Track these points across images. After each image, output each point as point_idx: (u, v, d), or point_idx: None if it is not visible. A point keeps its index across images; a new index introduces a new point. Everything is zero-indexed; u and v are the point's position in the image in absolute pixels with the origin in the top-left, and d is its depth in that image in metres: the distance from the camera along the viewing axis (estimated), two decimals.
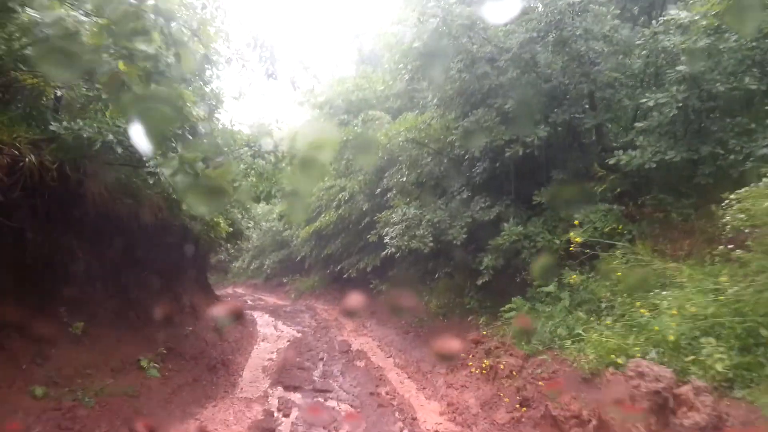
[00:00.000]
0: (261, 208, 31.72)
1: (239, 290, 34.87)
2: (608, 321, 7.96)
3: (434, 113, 11.77)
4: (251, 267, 35.04)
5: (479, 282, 10.56)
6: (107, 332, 7.52)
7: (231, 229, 13.81)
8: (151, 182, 6.58)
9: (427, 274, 17.05)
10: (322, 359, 11.92)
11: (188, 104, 8.13)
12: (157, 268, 10.44)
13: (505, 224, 10.27)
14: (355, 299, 19.76)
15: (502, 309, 9.84)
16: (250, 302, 26.29)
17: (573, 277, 9.25)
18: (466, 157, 11.58)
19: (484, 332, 10.45)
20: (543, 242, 10.12)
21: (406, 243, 10.97)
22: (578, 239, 9.37)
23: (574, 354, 7.51)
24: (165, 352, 8.49)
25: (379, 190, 15.20)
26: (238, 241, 18.44)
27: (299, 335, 15.70)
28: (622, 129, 11.31)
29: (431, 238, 10.93)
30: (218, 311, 14.85)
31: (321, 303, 22.37)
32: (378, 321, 16.39)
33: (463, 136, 10.74)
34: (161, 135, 7.03)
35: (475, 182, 11.55)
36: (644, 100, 8.72)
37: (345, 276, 19.13)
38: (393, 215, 11.75)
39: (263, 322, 18.18)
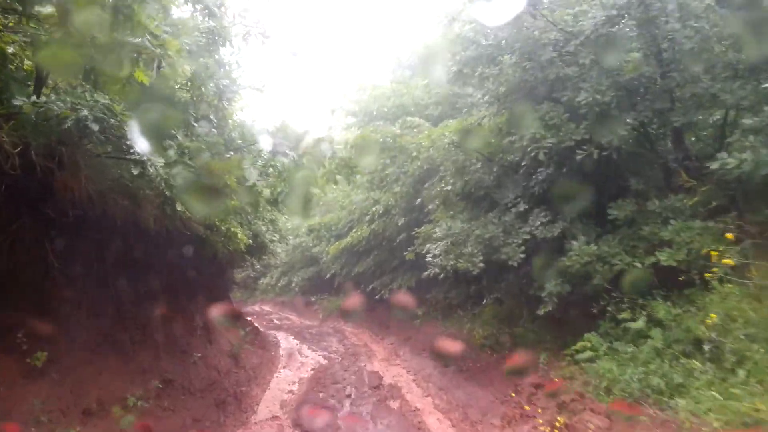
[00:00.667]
0: (290, 222, 30.64)
1: (266, 308, 33.69)
2: (721, 371, 6.09)
3: (485, 112, 10.13)
4: (279, 284, 33.78)
5: (540, 311, 8.74)
6: (87, 362, 6.10)
7: (251, 241, 12.41)
8: (135, 173, 5.15)
9: (469, 299, 15.26)
10: (349, 396, 10.24)
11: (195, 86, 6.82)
12: (163, 284, 9.06)
13: (574, 242, 8.48)
14: (387, 323, 18.02)
15: (572, 347, 8.01)
16: (276, 321, 24.94)
17: (663, 310, 7.40)
18: (522, 164, 9.86)
19: (547, 374, 8.61)
20: (621, 265, 8.27)
21: (451, 262, 9.26)
22: (669, 262, 7.56)
23: (684, 415, 5.63)
24: (161, 386, 7.01)
25: (418, 201, 13.56)
26: (263, 256, 17.05)
27: (325, 362, 14.09)
28: (711, 129, 9.46)
29: (481, 258, 9.21)
30: (235, 333, 13.46)
31: (350, 325, 20.73)
32: (413, 349, 14.64)
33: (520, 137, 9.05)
34: (159, 120, 5.67)
35: (532, 193, 9.79)
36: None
37: (377, 297, 17.50)
38: (436, 230, 10.08)
39: (287, 345, 16.67)
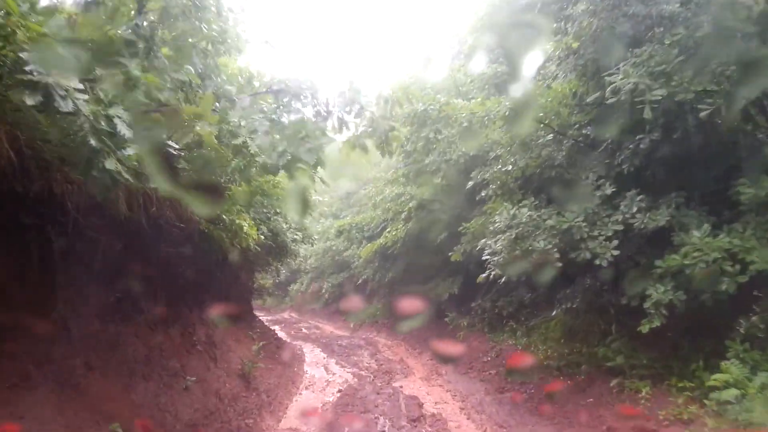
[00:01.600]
0: (320, 224, 28.82)
1: (295, 315, 32.00)
2: None
3: (557, 69, 7.91)
4: (309, 290, 32.03)
5: (642, 328, 6.41)
6: (19, 398, 4.21)
7: (269, 240, 10.52)
8: (30, 103, 3.19)
9: (523, 309, 12.97)
10: None
11: None
12: (149, 290, 7.17)
13: (695, 232, 6.16)
14: (426, 335, 15.88)
15: (710, 381, 5.66)
16: (304, 330, 23.03)
17: None
18: (607, 137, 7.58)
19: (653, 412, 6.27)
20: (761, 264, 5.92)
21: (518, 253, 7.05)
22: None
23: None
24: (121, 430, 5.04)
25: (468, 185, 11.21)
26: (287, 259, 15.13)
27: (354, 381, 11.99)
28: None
29: (557, 255, 6.96)
30: (248, 347, 11.54)
31: (384, 336, 18.60)
32: (457, 368, 12.40)
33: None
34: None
35: (620, 172, 7.49)
36: None
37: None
38: (495, 219, 7.84)
39: (313, 358, 14.66)
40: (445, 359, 13.63)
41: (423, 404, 9.83)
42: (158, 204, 6.62)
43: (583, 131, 8.15)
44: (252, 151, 4.32)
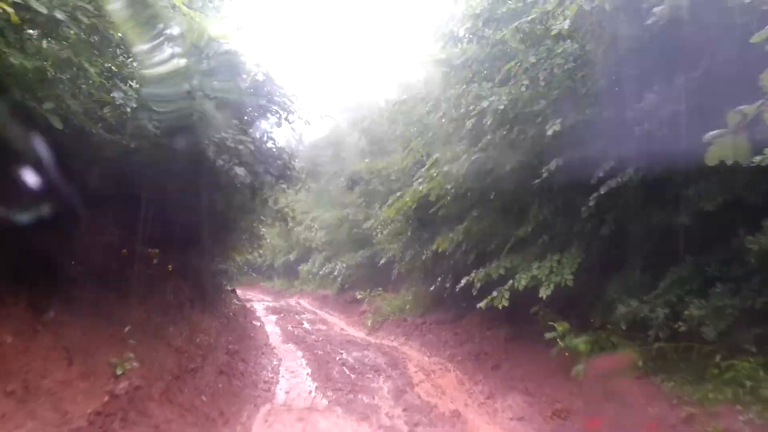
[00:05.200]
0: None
1: (303, 302, 25.79)
2: None
3: None
4: (321, 272, 25.58)
5: None
6: None
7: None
8: None
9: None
10: None
11: None
12: None
13: None
14: (491, 350, 8.80)
15: None
16: (305, 326, 16.42)
17: None
18: None
19: None
20: None
21: None
22: None
23: None
24: None
25: None
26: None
27: None
28: None
29: None
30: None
31: (417, 345, 11.90)
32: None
33: None
34: None
35: None
36: None
37: (472, 302, 8.48)
38: None
39: (291, 395, 8.07)
40: (540, 403, 6.95)
41: None
42: None
43: None
44: None
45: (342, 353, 10.80)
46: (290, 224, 11.71)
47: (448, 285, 11.36)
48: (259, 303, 23.98)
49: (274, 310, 21.29)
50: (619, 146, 5.73)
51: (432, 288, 11.95)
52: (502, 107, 6.72)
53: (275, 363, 9.94)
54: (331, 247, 24.61)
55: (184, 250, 9.27)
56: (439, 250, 9.98)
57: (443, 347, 10.74)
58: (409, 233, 12.57)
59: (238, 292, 29.37)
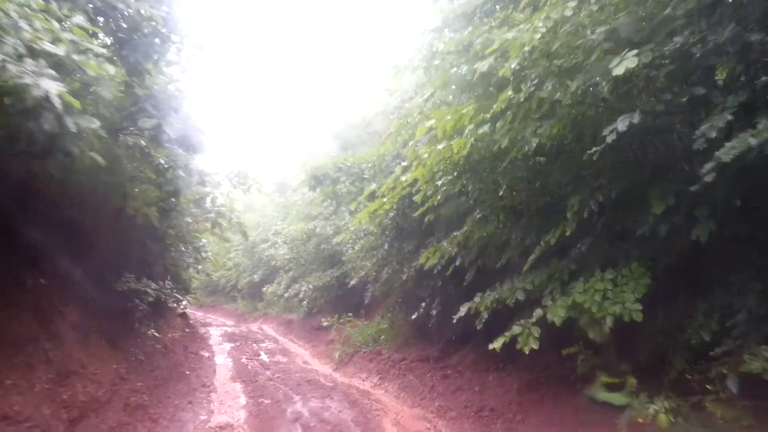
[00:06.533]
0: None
1: (265, 328, 23.16)
2: None
3: None
4: (286, 294, 22.78)
5: None
6: None
7: None
8: None
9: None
10: None
11: None
12: None
13: None
14: (500, 399, 5.93)
15: None
16: (261, 358, 13.73)
17: None
18: None
19: None
20: None
21: None
22: None
23: None
24: None
25: None
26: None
27: None
28: None
29: None
30: None
31: (395, 387, 9.34)
32: None
33: None
34: None
35: None
36: None
37: (468, 331, 5.98)
38: None
39: None
40: None
41: None
42: None
43: None
44: None
45: (297, 402, 8.17)
46: (228, 230, 9.11)
47: (434, 312, 8.93)
48: (217, 328, 21.52)
49: (231, 337, 18.63)
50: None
51: (414, 315, 9.48)
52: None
53: (202, 418, 7.26)
54: (297, 266, 21.95)
55: (74, 267, 6.62)
56: (426, 267, 7.53)
57: (429, 394, 8.22)
58: (386, 246, 10.10)
59: (199, 314, 26.56)
